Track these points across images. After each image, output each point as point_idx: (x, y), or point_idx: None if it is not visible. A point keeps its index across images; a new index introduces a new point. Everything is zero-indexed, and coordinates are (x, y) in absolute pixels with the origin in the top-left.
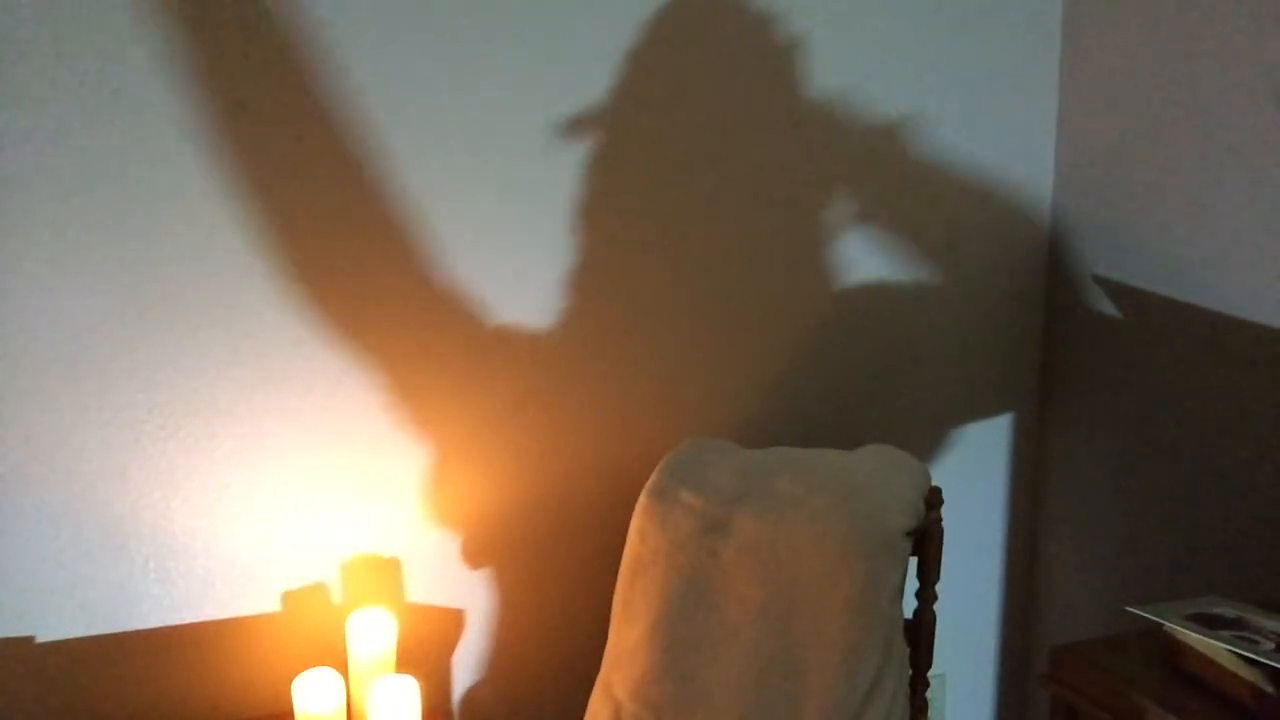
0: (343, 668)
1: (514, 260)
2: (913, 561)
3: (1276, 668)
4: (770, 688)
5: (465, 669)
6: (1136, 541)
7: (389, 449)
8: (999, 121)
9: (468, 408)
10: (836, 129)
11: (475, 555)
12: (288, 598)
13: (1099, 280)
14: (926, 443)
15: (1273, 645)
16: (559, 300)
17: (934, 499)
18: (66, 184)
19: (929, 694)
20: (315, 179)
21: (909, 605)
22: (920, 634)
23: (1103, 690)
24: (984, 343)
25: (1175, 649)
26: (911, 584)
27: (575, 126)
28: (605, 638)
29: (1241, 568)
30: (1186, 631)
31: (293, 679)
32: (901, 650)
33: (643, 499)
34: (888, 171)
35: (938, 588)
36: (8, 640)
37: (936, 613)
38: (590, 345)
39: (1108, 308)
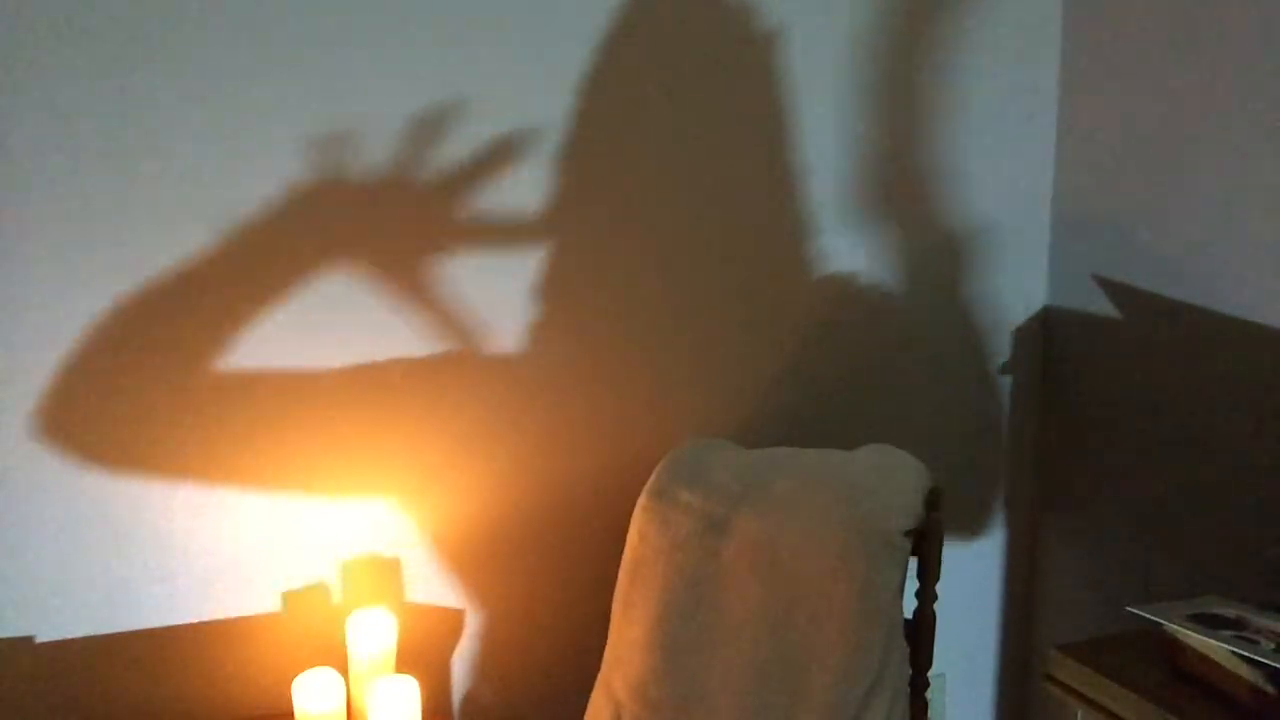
0: (343, 668)
1: (513, 261)
2: (913, 561)
3: (1276, 668)
4: (770, 688)
5: (465, 669)
6: (1136, 541)
7: (389, 449)
8: (999, 121)
9: (468, 407)
10: (836, 128)
11: (475, 555)
12: (288, 598)
13: (1099, 280)
14: (926, 442)
15: (1273, 645)
16: (559, 301)
17: (934, 499)
18: (68, 183)
19: (929, 694)
20: (313, 181)
21: (909, 605)
22: (920, 634)
23: (1103, 690)
24: (983, 342)
25: (1175, 649)
26: (911, 584)
27: (574, 128)
28: (605, 638)
29: (1241, 568)
30: (1186, 631)
31: (293, 679)
32: (901, 650)
33: (643, 499)
34: (887, 171)
35: (938, 588)
36: (8, 640)
37: (936, 613)
38: (590, 345)
39: (1108, 308)
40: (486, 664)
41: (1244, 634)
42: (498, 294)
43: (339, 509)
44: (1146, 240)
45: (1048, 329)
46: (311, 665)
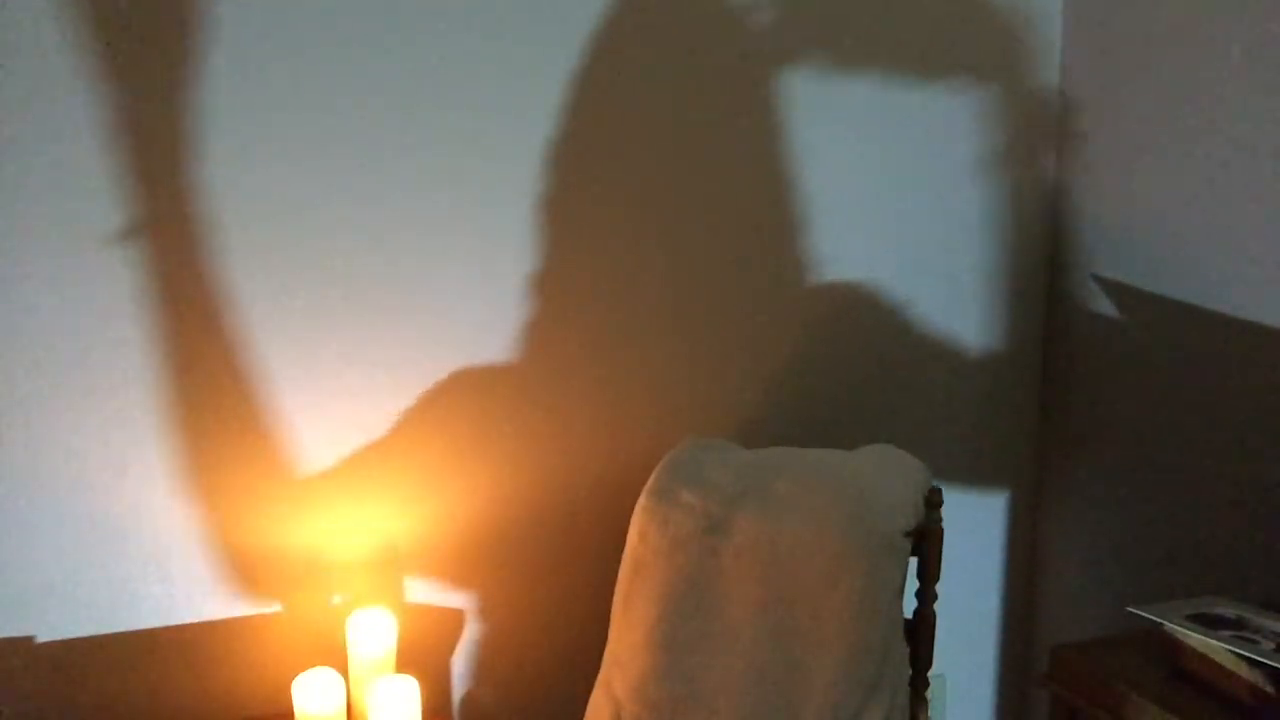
0: (343, 668)
1: (513, 261)
2: (913, 561)
3: (1276, 668)
4: (770, 688)
5: (465, 669)
6: (1136, 541)
7: (390, 449)
8: (999, 121)
9: (468, 407)
10: (835, 128)
11: (475, 555)
12: (288, 598)
13: (1099, 280)
14: (926, 442)
15: (1273, 645)
16: (559, 301)
17: (934, 499)
18: (68, 184)
19: (929, 694)
20: (311, 182)
21: (909, 605)
22: (920, 634)
23: (1103, 690)
24: (984, 342)
25: (1175, 649)
26: (911, 584)
27: (570, 127)
28: (605, 638)
29: (1241, 568)
30: (1186, 631)
31: (293, 679)
32: (901, 650)
33: (643, 499)
34: (887, 170)
35: (938, 588)
36: (8, 640)
37: (936, 613)
38: (590, 345)
39: (1108, 308)
40: (486, 664)
41: (1244, 634)
42: (497, 293)
43: (339, 509)
44: (1146, 240)
45: (1048, 328)
46: (311, 665)
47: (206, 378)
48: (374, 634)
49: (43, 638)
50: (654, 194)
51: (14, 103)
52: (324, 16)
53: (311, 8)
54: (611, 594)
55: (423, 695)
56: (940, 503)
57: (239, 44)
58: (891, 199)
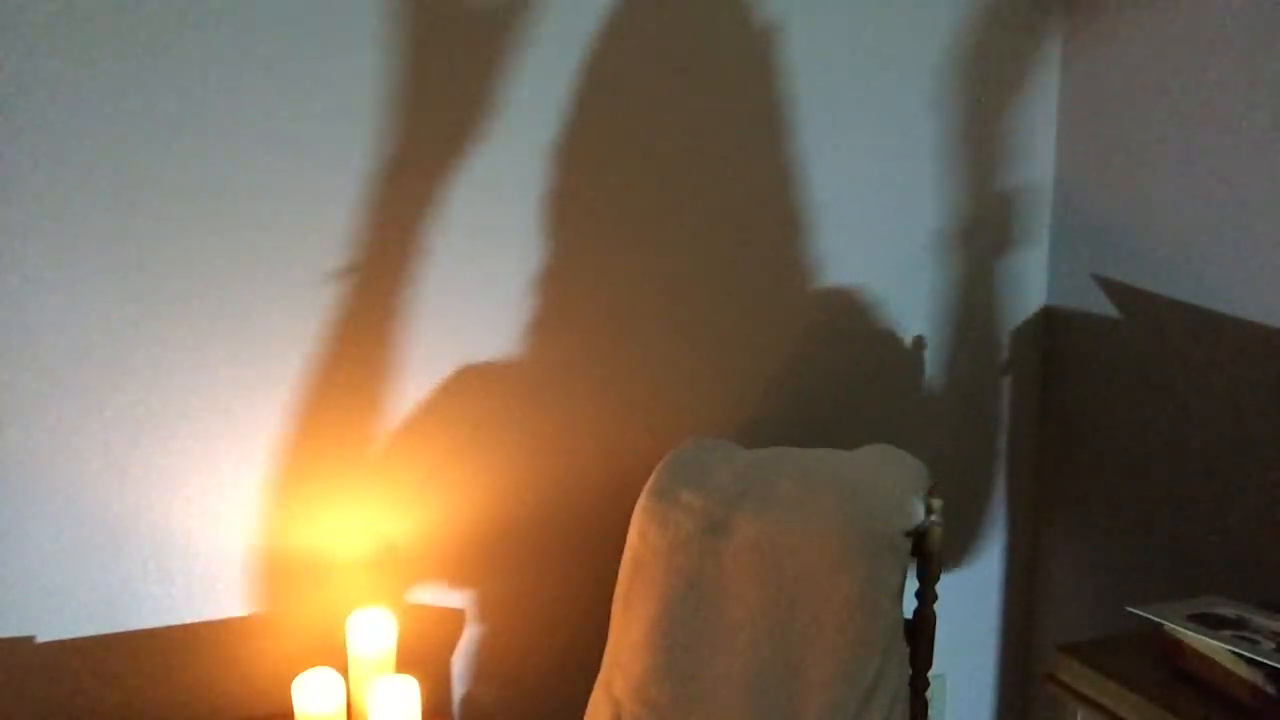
0: (343, 668)
1: (515, 261)
2: (912, 561)
3: (1276, 668)
4: (770, 688)
5: (465, 669)
6: (1136, 541)
7: (390, 449)
8: (999, 121)
9: (469, 407)
10: (836, 129)
11: (475, 555)
12: (288, 598)
13: (1099, 280)
14: (926, 442)
15: (1273, 645)
16: (559, 301)
17: (934, 499)
18: (68, 184)
19: (929, 694)
20: (312, 182)
21: (909, 605)
22: (920, 634)
23: (1103, 690)
24: (983, 342)
25: (1175, 649)
26: (911, 584)
27: (575, 130)
28: (605, 638)
29: (1241, 568)
30: (1186, 631)
31: (293, 679)
32: (901, 650)
33: (643, 499)
34: (887, 171)
35: (938, 588)
36: (8, 640)
37: (936, 613)
38: (590, 345)
39: (1108, 308)
40: (486, 664)
41: (1244, 634)
42: (498, 294)
43: (339, 508)
44: (1146, 240)
45: (1048, 329)
46: (311, 665)
47: (208, 375)
48: (374, 634)
49: (43, 638)
50: (656, 195)
51: (17, 100)
52: (315, 16)
53: (299, 8)
54: (611, 594)
55: (423, 695)
56: (940, 503)
57: (237, 40)
58: (892, 200)
